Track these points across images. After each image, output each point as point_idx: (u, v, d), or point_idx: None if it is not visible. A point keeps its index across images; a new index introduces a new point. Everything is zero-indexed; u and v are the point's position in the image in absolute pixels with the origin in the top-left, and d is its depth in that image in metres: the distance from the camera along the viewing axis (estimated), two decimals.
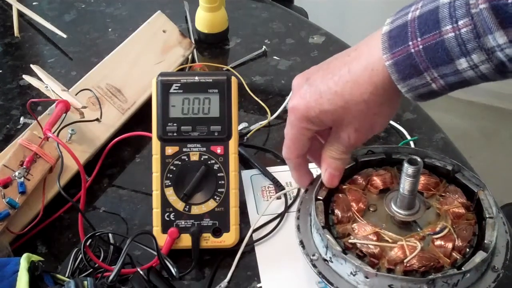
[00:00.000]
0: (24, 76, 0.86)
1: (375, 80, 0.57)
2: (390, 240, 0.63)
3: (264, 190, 0.80)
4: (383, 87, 0.58)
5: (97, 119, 0.81)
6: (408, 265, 0.61)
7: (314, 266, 0.64)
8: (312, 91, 0.61)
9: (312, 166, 0.83)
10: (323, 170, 0.66)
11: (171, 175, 0.72)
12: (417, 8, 0.54)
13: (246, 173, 0.82)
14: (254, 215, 0.77)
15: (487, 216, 0.65)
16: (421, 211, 0.65)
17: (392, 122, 0.88)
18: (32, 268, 0.62)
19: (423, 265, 0.61)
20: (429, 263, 0.61)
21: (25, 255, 0.63)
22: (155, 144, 0.73)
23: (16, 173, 0.71)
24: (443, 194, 0.68)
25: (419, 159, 0.62)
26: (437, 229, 0.64)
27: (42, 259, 0.65)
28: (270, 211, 0.77)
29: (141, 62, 0.90)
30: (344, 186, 0.70)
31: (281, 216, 0.76)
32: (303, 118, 0.62)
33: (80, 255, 0.69)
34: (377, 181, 0.69)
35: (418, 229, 0.65)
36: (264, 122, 0.88)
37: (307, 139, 0.64)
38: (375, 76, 0.57)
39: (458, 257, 0.62)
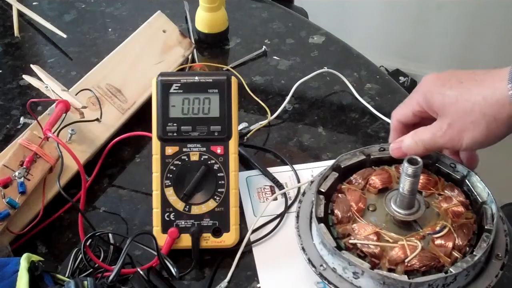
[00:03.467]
0: (24, 76, 0.86)
1: (492, 96, 0.60)
2: (390, 240, 0.63)
3: (260, 192, 0.80)
4: (494, 105, 0.60)
5: (97, 119, 0.81)
6: (409, 264, 0.61)
7: (315, 269, 0.64)
8: (448, 73, 0.65)
9: (309, 166, 0.83)
10: (399, 139, 0.68)
11: (171, 175, 0.72)
12: None
13: (242, 175, 0.81)
14: (251, 217, 0.76)
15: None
16: (420, 211, 0.65)
17: None
18: (32, 268, 0.62)
19: (424, 265, 0.61)
20: (430, 262, 0.61)
21: (25, 255, 0.63)
22: (155, 144, 0.73)
23: (16, 173, 0.71)
24: (442, 193, 0.68)
25: (419, 159, 0.62)
26: (437, 228, 0.64)
27: (42, 259, 0.65)
28: (269, 212, 0.77)
29: (141, 62, 0.90)
30: (343, 186, 0.70)
31: (281, 216, 0.76)
32: (423, 90, 0.65)
33: (80, 255, 0.69)
34: (376, 180, 0.69)
35: (418, 229, 0.65)
36: (264, 122, 0.88)
37: (411, 111, 0.67)
38: (494, 94, 0.60)
39: (458, 256, 0.62)
